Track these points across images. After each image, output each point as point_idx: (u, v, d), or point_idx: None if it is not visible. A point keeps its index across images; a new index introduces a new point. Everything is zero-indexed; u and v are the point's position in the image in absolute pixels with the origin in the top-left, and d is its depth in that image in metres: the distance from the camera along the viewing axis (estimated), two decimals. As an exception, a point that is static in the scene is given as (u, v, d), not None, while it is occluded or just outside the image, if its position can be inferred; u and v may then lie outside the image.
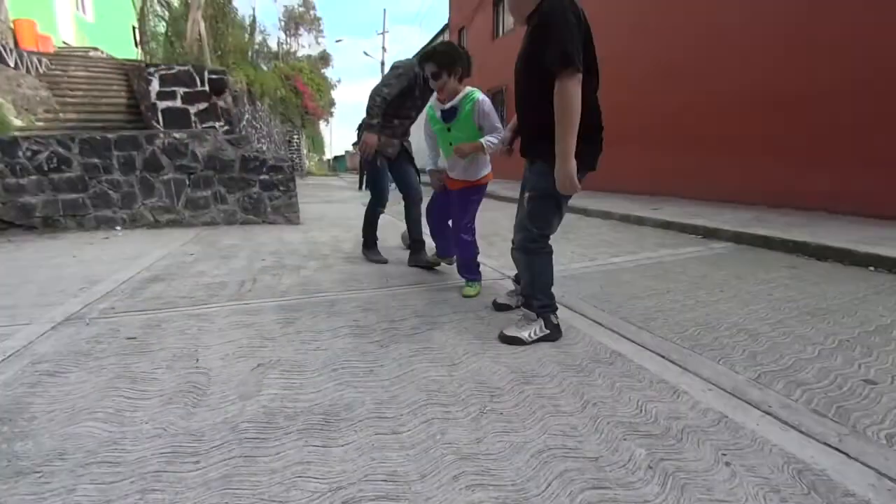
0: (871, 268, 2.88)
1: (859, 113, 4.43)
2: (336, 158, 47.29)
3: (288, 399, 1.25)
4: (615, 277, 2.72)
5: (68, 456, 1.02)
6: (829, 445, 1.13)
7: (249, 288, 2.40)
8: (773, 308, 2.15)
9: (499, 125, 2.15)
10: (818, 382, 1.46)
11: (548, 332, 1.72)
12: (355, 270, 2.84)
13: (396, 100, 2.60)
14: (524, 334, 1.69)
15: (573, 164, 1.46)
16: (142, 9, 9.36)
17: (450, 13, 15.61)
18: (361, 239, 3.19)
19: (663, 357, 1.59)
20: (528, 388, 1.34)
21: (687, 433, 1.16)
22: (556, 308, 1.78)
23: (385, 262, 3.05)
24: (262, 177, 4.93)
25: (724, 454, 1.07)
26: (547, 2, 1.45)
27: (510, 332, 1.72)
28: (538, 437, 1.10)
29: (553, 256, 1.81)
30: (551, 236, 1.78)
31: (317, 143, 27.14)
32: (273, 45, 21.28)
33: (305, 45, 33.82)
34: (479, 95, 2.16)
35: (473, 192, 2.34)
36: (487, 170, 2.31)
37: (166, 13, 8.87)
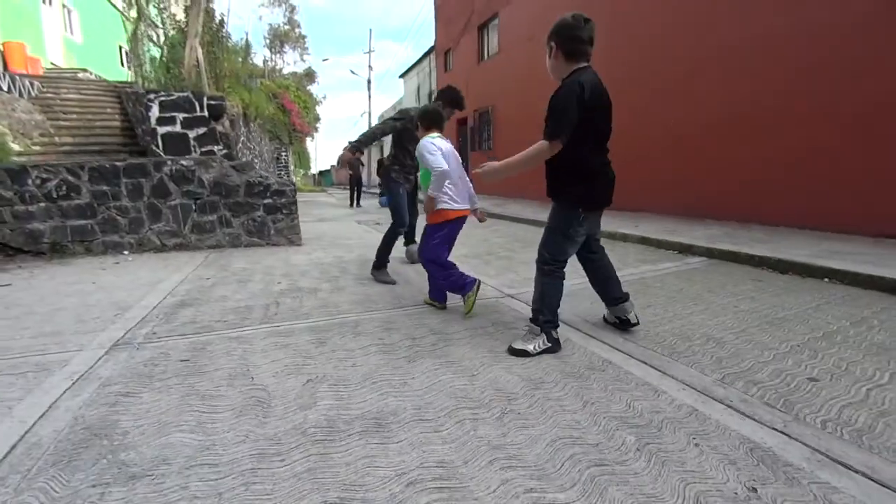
0: (826, 279, 3.28)
1: (826, 139, 4.91)
2: (321, 173, 47.42)
3: (342, 408, 1.50)
4: (593, 294, 3.01)
5: (171, 461, 1.25)
6: (776, 430, 1.44)
7: (275, 311, 2.63)
8: (739, 319, 2.49)
9: (430, 164, 2.38)
10: (771, 381, 1.78)
11: (549, 345, 2.00)
12: (367, 292, 3.09)
13: (403, 142, 3.18)
14: (530, 347, 1.98)
15: (497, 174, 2.01)
16: (134, 32, 9.52)
17: (436, 36, 16.20)
18: (374, 259, 3.45)
19: (646, 364, 1.90)
20: (537, 392, 1.62)
21: (665, 423, 1.45)
22: (558, 325, 2.08)
23: (393, 283, 3.32)
24: (265, 201, 5.16)
25: (695, 438, 1.37)
26: (566, 81, 1.87)
27: (518, 345, 2.00)
28: (550, 431, 1.38)
29: (558, 281, 2.06)
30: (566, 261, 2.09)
31: (303, 159, 27.30)
32: (259, 62, 21.55)
33: (291, 63, 34.19)
34: (421, 142, 2.52)
35: (430, 230, 2.58)
36: (439, 207, 2.49)
37: (161, 38, 9.06)
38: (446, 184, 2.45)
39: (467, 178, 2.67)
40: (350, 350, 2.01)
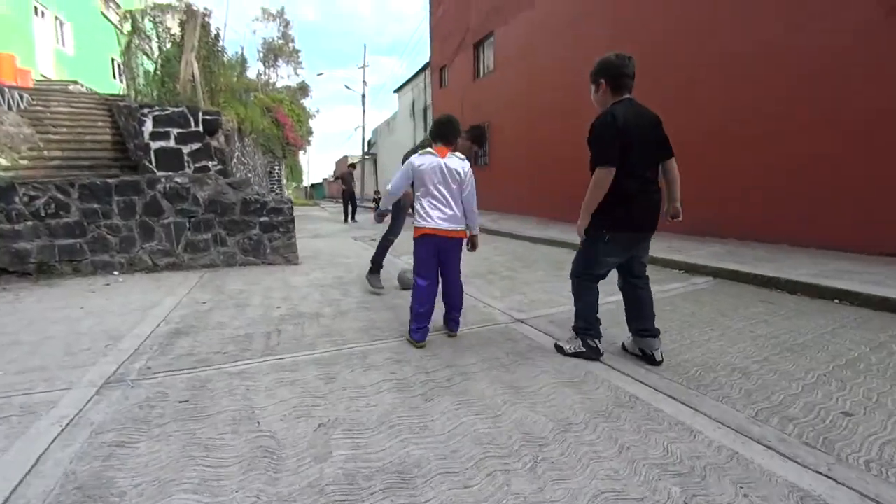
0: (836, 301, 3.25)
1: (825, 153, 4.96)
2: (313, 186, 47.28)
3: (360, 459, 1.38)
4: (614, 317, 2.91)
5: (174, 527, 1.12)
6: (821, 473, 1.36)
7: (277, 341, 2.50)
8: (758, 345, 2.42)
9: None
10: (805, 417, 1.71)
11: (584, 350, 2.23)
12: (372, 317, 2.97)
13: None
14: (566, 346, 2.31)
15: (585, 220, 2.10)
16: (128, 45, 9.42)
17: (431, 53, 16.36)
18: (370, 264, 3.77)
19: (675, 399, 1.81)
20: (568, 435, 1.52)
21: (709, 470, 1.36)
22: (597, 335, 2.24)
23: (381, 287, 3.65)
24: (262, 219, 5.04)
25: (741, 487, 1.28)
26: (601, 114, 2.05)
27: (560, 343, 2.37)
28: (589, 483, 1.27)
29: (587, 293, 2.26)
30: (600, 279, 2.27)
31: (295, 172, 27.22)
32: (252, 76, 21.53)
33: (284, 77, 34.31)
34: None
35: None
36: (415, 224, 2.47)
37: (155, 51, 8.97)
38: (426, 201, 2.40)
39: (461, 197, 2.43)
40: (361, 387, 1.89)
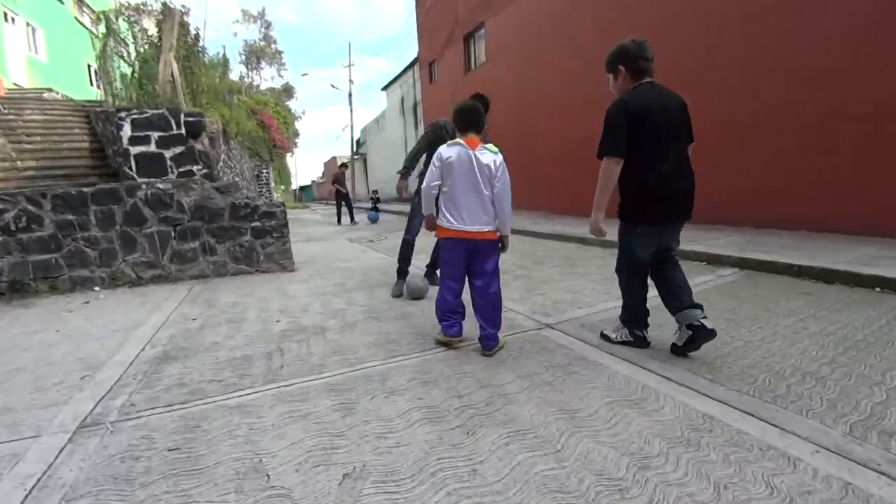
0: (878, 289, 3.04)
1: (840, 138, 4.80)
2: (302, 188, 46.68)
3: (402, 524, 1.10)
4: (656, 318, 2.57)
5: None
6: (960, 509, 1.11)
7: (280, 363, 2.20)
8: (818, 344, 2.19)
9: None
10: (904, 430, 1.47)
11: (631, 339, 2.21)
12: (384, 329, 2.68)
13: (431, 155, 2.95)
14: (612, 335, 2.28)
15: (598, 215, 2.04)
16: (103, 48, 8.96)
17: (419, 48, 16.01)
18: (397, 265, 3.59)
19: (754, 416, 1.56)
20: (649, 474, 1.25)
21: (830, 515, 1.11)
22: (643, 325, 2.20)
23: (399, 295, 3.40)
24: (253, 224, 4.71)
25: (886, 542, 1.02)
26: (613, 102, 1.97)
27: (606, 331, 2.33)
28: (698, 546, 1.01)
29: (632, 287, 2.20)
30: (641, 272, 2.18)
31: (283, 175, 26.75)
32: (235, 78, 20.94)
33: (268, 79, 33.70)
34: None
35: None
36: (438, 224, 2.28)
37: (131, 54, 8.53)
38: (452, 197, 2.15)
39: (492, 194, 2.12)
40: (387, 419, 1.60)
